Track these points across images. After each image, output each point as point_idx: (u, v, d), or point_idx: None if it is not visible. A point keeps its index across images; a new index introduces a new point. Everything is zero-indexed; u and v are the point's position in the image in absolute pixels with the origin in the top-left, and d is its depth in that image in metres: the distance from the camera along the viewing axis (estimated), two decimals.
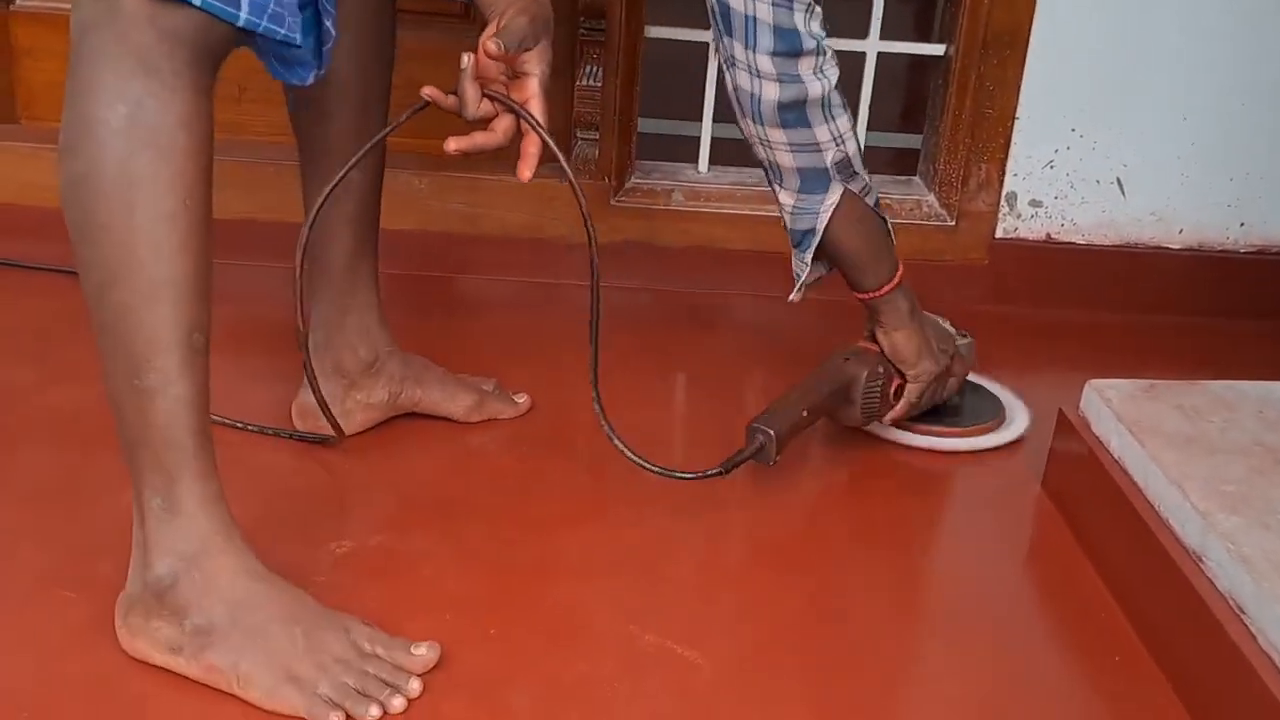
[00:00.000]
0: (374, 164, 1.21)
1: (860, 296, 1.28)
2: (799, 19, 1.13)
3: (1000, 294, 1.74)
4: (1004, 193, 1.72)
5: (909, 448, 1.36)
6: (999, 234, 1.74)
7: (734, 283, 1.74)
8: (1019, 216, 1.73)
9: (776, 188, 1.25)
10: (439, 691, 0.96)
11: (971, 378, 1.43)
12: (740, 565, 1.18)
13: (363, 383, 1.27)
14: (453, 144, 0.98)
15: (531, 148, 1.00)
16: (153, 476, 0.92)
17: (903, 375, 1.29)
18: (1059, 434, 1.29)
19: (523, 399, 1.38)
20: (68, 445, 1.23)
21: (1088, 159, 1.70)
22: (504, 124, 1.00)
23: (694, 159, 1.77)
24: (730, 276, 1.74)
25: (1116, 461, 1.18)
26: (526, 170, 1.01)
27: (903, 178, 1.79)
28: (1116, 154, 1.70)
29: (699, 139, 1.76)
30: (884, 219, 1.27)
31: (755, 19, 1.12)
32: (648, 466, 1.17)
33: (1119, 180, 1.72)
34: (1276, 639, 0.92)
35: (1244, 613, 0.96)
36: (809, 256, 1.25)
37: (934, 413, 1.37)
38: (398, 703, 0.92)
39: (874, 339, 1.31)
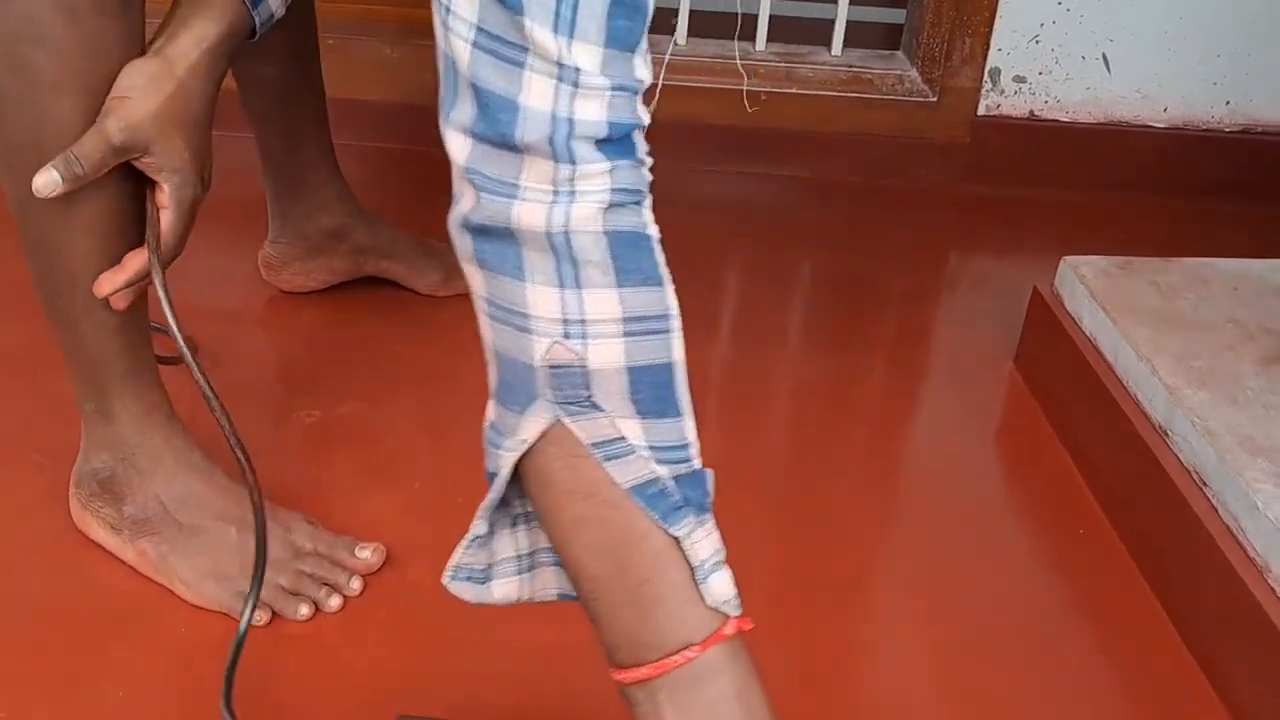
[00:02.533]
0: (303, 64, 1.18)
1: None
2: (535, 84, 0.58)
3: (981, 172, 1.72)
4: (987, 68, 1.69)
5: None
6: (981, 111, 1.71)
7: (714, 159, 1.71)
8: (1002, 93, 1.70)
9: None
10: (404, 560, 0.97)
11: None
12: (711, 438, 1.18)
13: (326, 248, 1.27)
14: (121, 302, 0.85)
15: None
16: (86, 385, 0.91)
17: None
18: (1032, 310, 1.28)
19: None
20: (36, 310, 1.22)
21: (1074, 34, 1.67)
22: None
23: (671, 30, 1.73)
24: (710, 153, 1.71)
25: (1088, 338, 1.18)
26: (106, 287, 0.83)
27: (885, 52, 1.76)
28: (1103, 29, 1.67)
29: (677, 10, 1.72)
30: (672, 535, 0.63)
31: (453, 63, 0.60)
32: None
33: (1105, 56, 1.69)
34: (1238, 511, 0.92)
35: (1206, 485, 0.96)
36: (484, 505, 0.68)
37: None
38: (334, 602, 0.92)
39: None
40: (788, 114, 1.70)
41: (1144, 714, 0.90)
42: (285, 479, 1.04)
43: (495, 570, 0.70)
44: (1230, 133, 1.73)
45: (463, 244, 0.63)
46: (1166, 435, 1.03)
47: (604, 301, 0.61)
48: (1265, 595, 0.87)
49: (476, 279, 0.64)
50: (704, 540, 0.63)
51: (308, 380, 1.19)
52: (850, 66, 1.71)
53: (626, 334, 0.62)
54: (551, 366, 0.61)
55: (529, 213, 0.60)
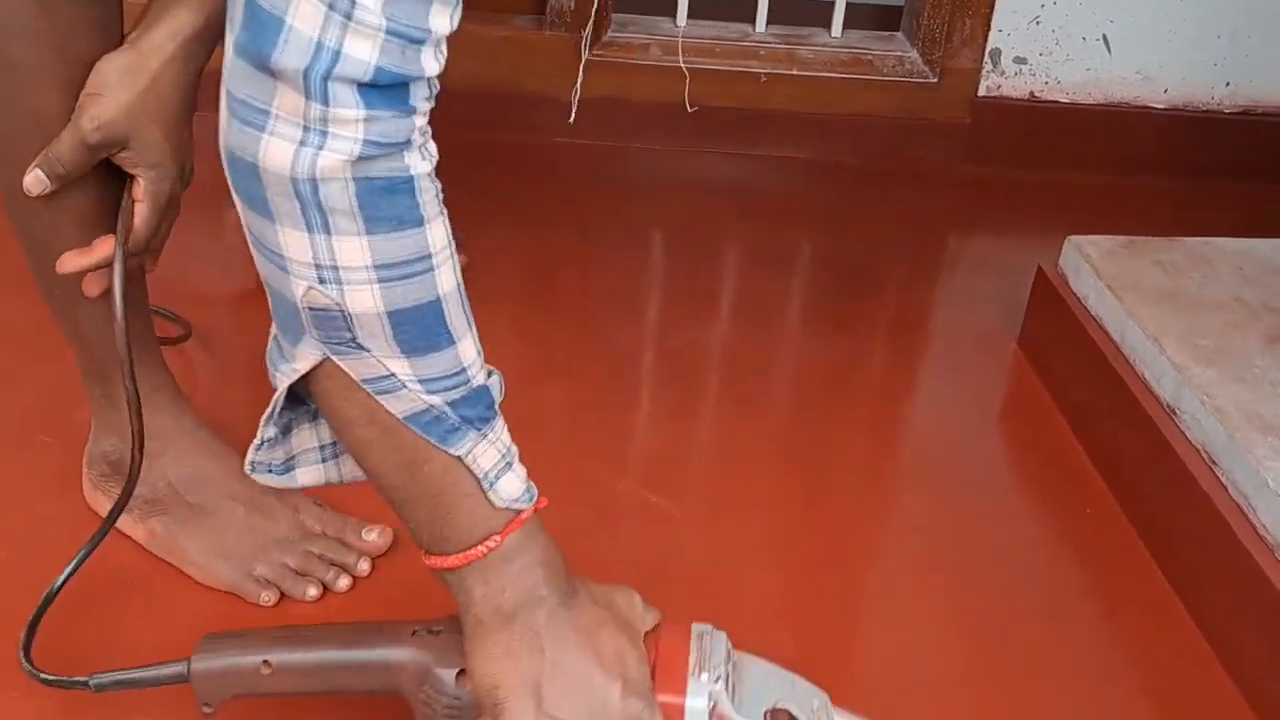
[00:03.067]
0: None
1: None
2: (305, 6, 0.54)
3: (982, 153, 1.72)
4: (988, 49, 1.68)
5: None
6: (981, 92, 1.71)
7: (712, 141, 1.71)
8: (1002, 74, 1.70)
9: None
10: (411, 543, 0.96)
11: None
12: (714, 417, 1.18)
13: None
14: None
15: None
16: (90, 371, 0.90)
17: None
18: (1037, 290, 1.28)
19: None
20: None
21: (1074, 14, 1.67)
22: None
23: (672, 11, 1.72)
24: (708, 134, 1.71)
25: (1094, 317, 1.17)
26: (68, 265, 0.81)
27: (885, 33, 1.75)
28: (1103, 10, 1.67)
29: None
30: (453, 455, 0.64)
31: None
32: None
33: (1105, 37, 1.68)
34: (1247, 489, 0.92)
35: (1216, 464, 0.96)
36: (265, 416, 0.69)
37: None
38: (343, 583, 0.91)
39: None
40: (788, 95, 1.69)
41: (1153, 691, 0.90)
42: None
43: (298, 460, 0.72)
44: (1230, 114, 1.73)
45: (224, 160, 0.61)
46: (1174, 414, 1.03)
47: (354, 249, 0.59)
48: (1276, 572, 0.87)
49: (239, 207, 0.62)
50: (486, 453, 0.65)
51: None
52: (850, 48, 1.71)
53: (381, 280, 0.60)
54: (311, 309, 0.61)
55: (276, 152, 0.57)
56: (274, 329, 0.65)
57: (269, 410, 0.67)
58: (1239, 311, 1.12)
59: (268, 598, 0.89)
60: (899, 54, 1.71)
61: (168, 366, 0.94)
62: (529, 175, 1.60)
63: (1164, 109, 1.72)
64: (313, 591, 0.90)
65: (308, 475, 0.72)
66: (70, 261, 0.81)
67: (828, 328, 1.33)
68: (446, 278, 0.62)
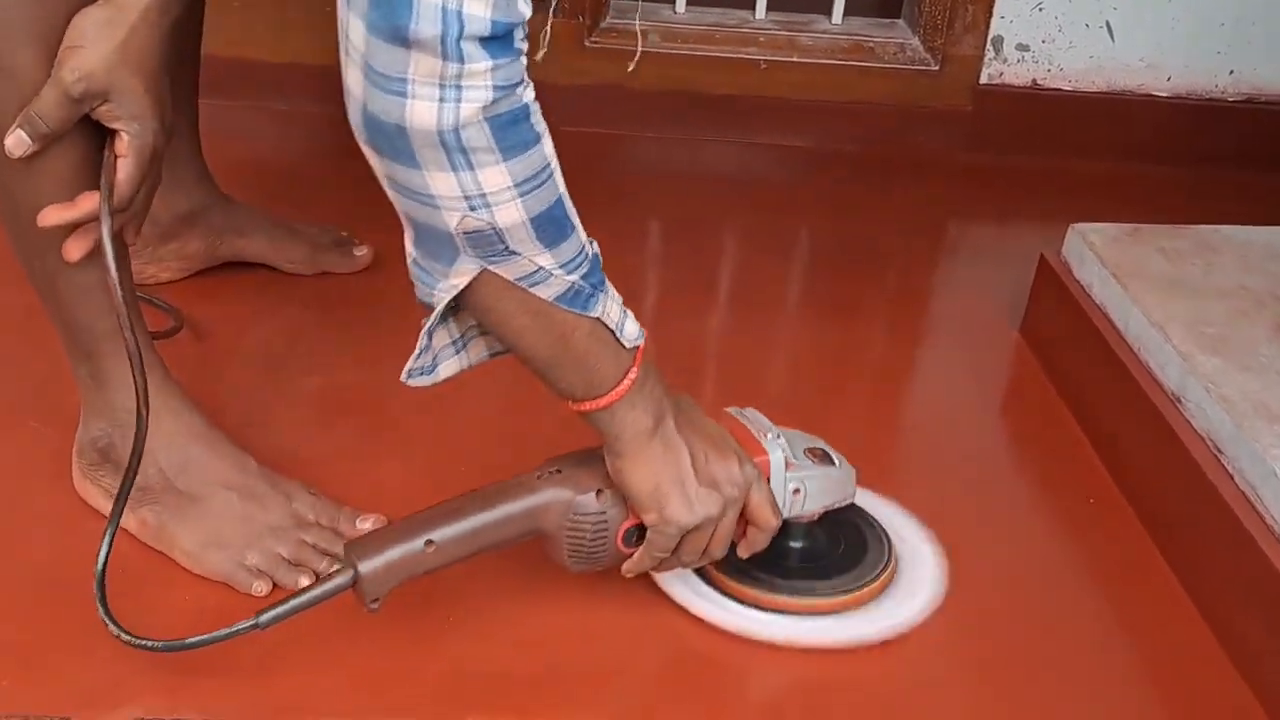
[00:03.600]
0: (190, 41, 1.14)
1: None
2: None
3: (984, 141, 1.71)
4: (990, 36, 1.67)
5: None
6: (984, 79, 1.70)
7: (711, 128, 1.69)
8: (1005, 61, 1.69)
9: None
10: None
11: (867, 504, 0.98)
12: (713, 406, 1.17)
13: (178, 233, 1.22)
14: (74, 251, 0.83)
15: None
16: (74, 349, 0.89)
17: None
18: (1040, 278, 1.27)
19: (363, 251, 1.29)
20: None
21: (1077, 1, 1.65)
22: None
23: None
24: (708, 121, 1.69)
25: (1097, 305, 1.16)
26: (51, 218, 0.80)
27: (886, 20, 1.74)
28: None
29: None
30: (594, 319, 0.76)
31: None
32: (139, 643, 0.79)
33: (1108, 24, 1.67)
34: (1254, 478, 0.91)
35: (1221, 453, 0.95)
36: (428, 335, 0.79)
37: (764, 560, 0.90)
38: None
39: None
40: (788, 83, 1.68)
41: (1156, 680, 0.89)
42: (286, 447, 1.02)
43: (439, 358, 0.81)
44: (1234, 101, 1.72)
45: (357, 130, 0.69)
46: (1179, 402, 1.01)
47: (497, 176, 0.69)
48: None
49: (374, 160, 0.70)
50: (611, 308, 0.77)
51: (307, 349, 1.18)
52: (851, 34, 1.70)
53: (521, 195, 0.70)
54: (465, 233, 0.71)
55: (421, 113, 0.66)
56: (414, 254, 0.75)
57: (429, 324, 0.77)
58: (1244, 299, 1.11)
59: (260, 588, 0.88)
60: (900, 41, 1.69)
61: (155, 349, 0.92)
62: None
63: (1167, 97, 1.71)
64: (304, 581, 0.89)
65: (447, 368, 0.82)
66: (53, 215, 0.80)
67: (828, 316, 1.32)
68: (559, 178, 0.73)
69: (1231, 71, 1.70)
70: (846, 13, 1.71)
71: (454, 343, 0.82)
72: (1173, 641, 0.93)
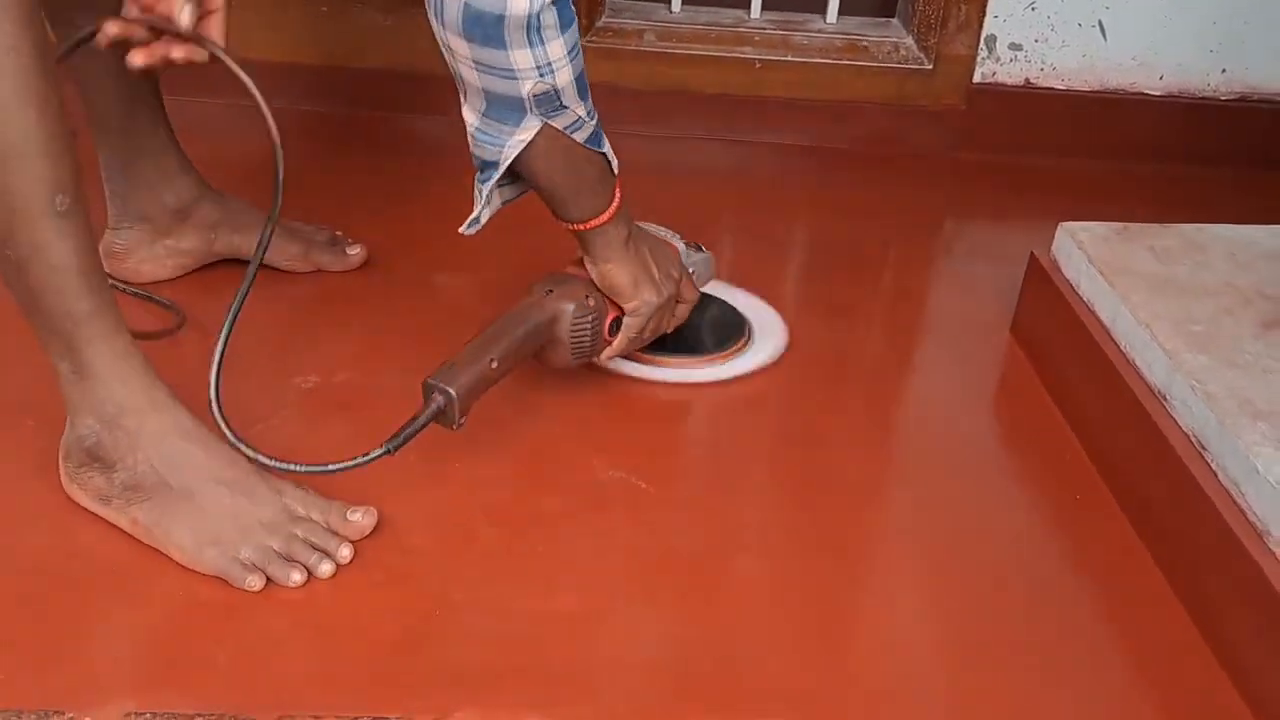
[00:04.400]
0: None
1: (565, 225, 1.06)
2: None
3: (977, 140, 1.72)
4: (983, 35, 1.68)
5: (637, 380, 1.19)
6: (977, 78, 1.71)
7: (705, 127, 1.70)
8: (998, 60, 1.70)
9: (462, 100, 0.98)
10: (401, 525, 0.96)
11: (721, 293, 1.29)
12: (709, 405, 1.18)
13: (171, 228, 1.23)
14: (139, 58, 0.93)
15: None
16: (52, 342, 0.89)
17: (619, 307, 1.10)
18: (1030, 277, 1.28)
19: (356, 250, 1.31)
20: None
21: (1070, 1, 1.66)
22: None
23: None
24: (703, 120, 1.70)
25: (1086, 303, 1.17)
26: (140, 59, 0.93)
27: (880, 19, 1.75)
28: None
29: None
30: (602, 154, 1.02)
31: None
32: (283, 466, 0.94)
33: (1101, 23, 1.68)
34: (1238, 475, 0.92)
35: (1206, 449, 0.96)
36: (488, 189, 1.01)
37: (665, 339, 1.18)
38: (326, 568, 0.91)
39: (583, 264, 1.10)
40: (782, 82, 1.69)
41: (1141, 676, 0.90)
42: (283, 444, 1.03)
43: (481, 210, 1.02)
44: (1226, 100, 1.73)
45: (454, 24, 0.89)
46: (1165, 399, 1.02)
47: (558, 47, 0.91)
48: (1265, 558, 0.87)
49: (463, 47, 0.90)
50: (607, 144, 1.02)
51: (303, 347, 1.18)
52: (845, 34, 1.70)
53: (570, 60, 0.92)
54: (534, 96, 0.93)
55: (518, 3, 0.87)
56: (476, 123, 0.97)
57: (493, 179, 0.99)
58: (1231, 297, 1.11)
59: (254, 582, 0.89)
60: (894, 40, 1.70)
61: (131, 335, 0.92)
62: None
63: (1159, 95, 1.72)
64: (296, 576, 0.90)
65: (485, 215, 1.03)
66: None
67: (821, 314, 1.33)
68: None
69: (1224, 70, 1.71)
70: (841, 12, 1.72)
71: (485, 196, 1.02)
72: (1157, 635, 0.94)
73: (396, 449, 0.94)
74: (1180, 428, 1.00)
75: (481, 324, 1.04)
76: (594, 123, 0.99)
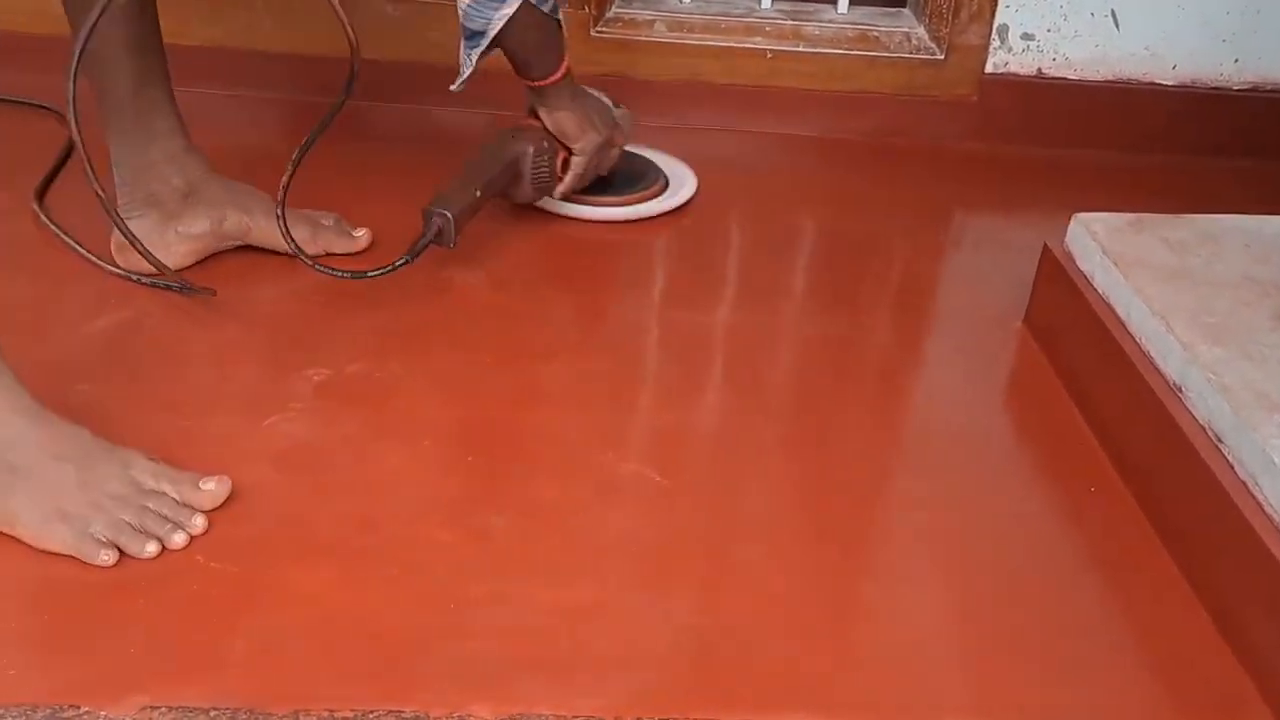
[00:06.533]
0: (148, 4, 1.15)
1: (525, 82, 1.30)
2: None
3: (989, 131, 1.71)
4: (995, 25, 1.67)
5: (585, 221, 1.43)
6: (989, 68, 1.70)
7: (716, 118, 1.70)
8: (1010, 50, 1.69)
9: None
10: (416, 516, 0.96)
11: (634, 150, 1.52)
12: (717, 400, 1.17)
13: (180, 213, 1.22)
14: None
15: None
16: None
17: (568, 149, 1.36)
18: (1043, 268, 1.27)
19: (361, 234, 1.32)
20: None
21: None
22: None
23: None
24: (713, 111, 1.70)
25: (1100, 295, 1.17)
26: None
27: (892, 9, 1.74)
28: None
29: None
30: (558, 21, 1.25)
31: None
32: (328, 270, 1.19)
33: (1113, 12, 1.67)
34: (1254, 467, 0.92)
35: (1222, 442, 0.96)
36: (475, 55, 1.21)
37: (601, 185, 1.44)
38: (179, 538, 0.90)
39: (535, 116, 1.35)
40: (794, 72, 1.68)
41: (1157, 669, 0.90)
42: (297, 439, 1.03)
43: (465, 72, 1.23)
44: (1239, 90, 1.72)
45: None
46: (1181, 391, 1.02)
47: None
48: None
49: None
50: (561, 12, 1.24)
51: (313, 340, 1.18)
52: (857, 24, 1.70)
53: None
54: None
55: None
56: (468, 3, 1.17)
57: (481, 47, 1.20)
58: (1247, 289, 1.11)
59: (107, 557, 0.88)
60: (906, 30, 1.69)
61: None
62: None
63: (1172, 85, 1.71)
64: (151, 548, 0.89)
65: (468, 73, 1.23)
66: None
67: (832, 306, 1.33)
68: None
69: (1236, 60, 1.70)
70: (852, 2, 1.71)
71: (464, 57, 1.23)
72: (1172, 629, 0.93)
73: (414, 257, 1.22)
74: (1196, 420, 0.99)
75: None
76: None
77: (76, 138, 1.02)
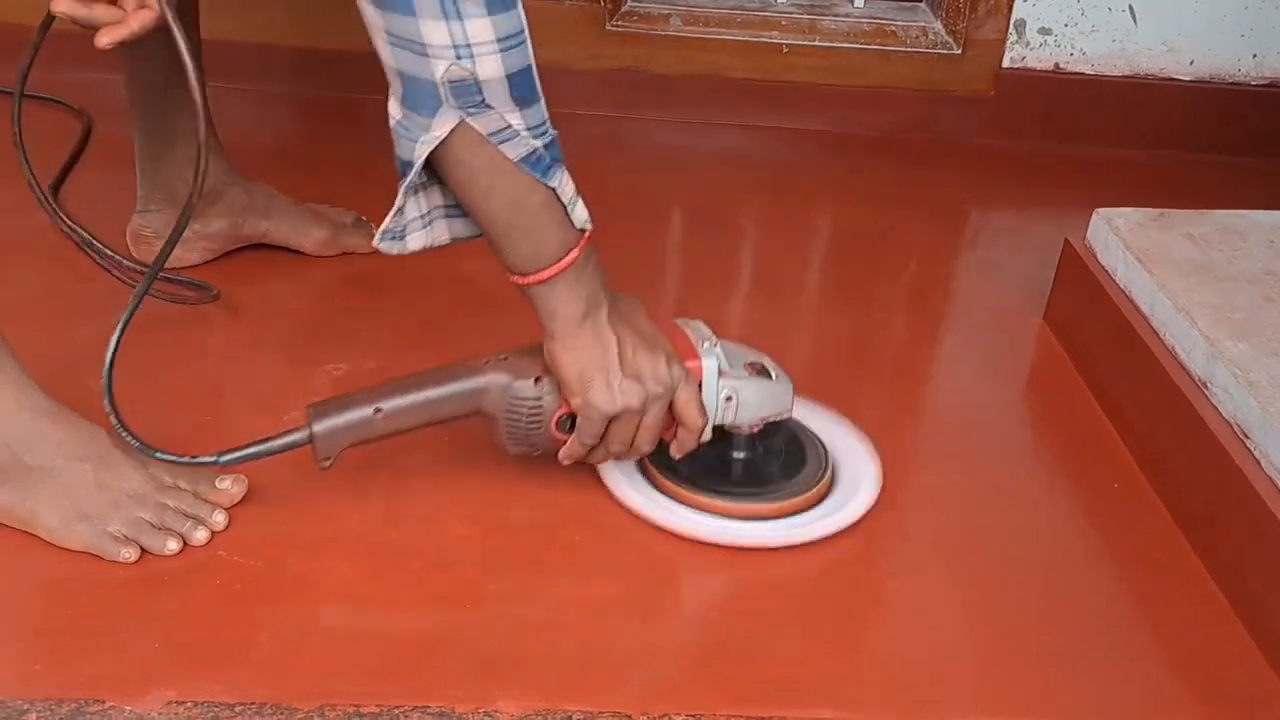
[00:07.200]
0: None
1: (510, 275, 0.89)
2: None
3: (1006, 126, 1.70)
4: (1013, 20, 1.66)
5: (634, 514, 0.98)
6: (1006, 63, 1.69)
7: (732, 112, 1.69)
8: (1027, 45, 1.68)
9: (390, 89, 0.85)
10: (438, 513, 0.96)
11: (808, 417, 1.06)
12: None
13: (200, 212, 1.22)
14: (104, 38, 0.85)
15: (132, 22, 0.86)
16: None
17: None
18: (1064, 264, 1.26)
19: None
20: None
21: None
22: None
23: None
24: (729, 105, 1.69)
25: (1123, 290, 1.16)
26: (104, 39, 0.85)
27: (908, 4, 1.74)
28: None
29: None
30: (550, 188, 0.84)
31: None
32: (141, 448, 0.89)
33: (1131, 8, 1.66)
34: None
35: (1248, 437, 0.95)
36: (402, 187, 0.85)
37: (713, 463, 0.98)
38: (201, 535, 0.89)
39: None
40: (810, 67, 1.68)
41: (1181, 666, 0.89)
42: None
43: (408, 229, 0.89)
44: (1257, 86, 1.71)
45: None
46: (1206, 387, 1.01)
47: (482, 28, 0.77)
48: None
49: (371, 13, 0.78)
50: (566, 184, 0.85)
51: (334, 334, 1.18)
52: (874, 18, 1.69)
53: (501, 50, 0.78)
54: (450, 81, 0.78)
55: None
56: (397, 114, 0.82)
57: (407, 181, 0.84)
58: (1271, 285, 1.10)
59: (128, 554, 0.88)
60: (922, 25, 1.69)
61: None
62: None
63: (1190, 81, 1.70)
64: (172, 545, 0.88)
65: (415, 240, 0.90)
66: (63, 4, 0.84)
67: (849, 301, 1.32)
68: (532, 48, 0.81)
69: (1255, 55, 1.69)
70: None
71: (422, 217, 0.89)
72: (1199, 627, 0.93)
73: (226, 463, 0.89)
74: (1222, 416, 0.99)
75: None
76: (539, 143, 0.82)
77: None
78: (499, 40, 0.78)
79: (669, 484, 0.98)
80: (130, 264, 1.21)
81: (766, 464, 0.99)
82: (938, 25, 1.68)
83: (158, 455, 0.88)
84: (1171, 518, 1.02)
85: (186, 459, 0.88)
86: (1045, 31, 1.67)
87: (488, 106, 0.80)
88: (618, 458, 0.94)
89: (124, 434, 0.87)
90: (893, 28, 1.68)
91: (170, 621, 0.85)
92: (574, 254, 0.87)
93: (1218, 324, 1.04)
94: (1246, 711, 0.86)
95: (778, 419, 0.97)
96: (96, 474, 0.89)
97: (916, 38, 1.68)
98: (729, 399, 0.94)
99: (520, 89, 0.80)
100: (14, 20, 1.59)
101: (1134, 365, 1.10)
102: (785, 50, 1.67)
